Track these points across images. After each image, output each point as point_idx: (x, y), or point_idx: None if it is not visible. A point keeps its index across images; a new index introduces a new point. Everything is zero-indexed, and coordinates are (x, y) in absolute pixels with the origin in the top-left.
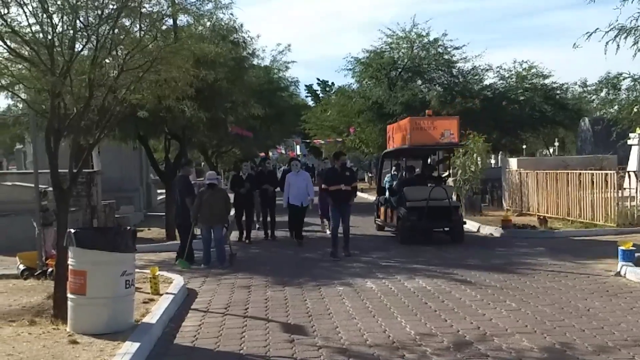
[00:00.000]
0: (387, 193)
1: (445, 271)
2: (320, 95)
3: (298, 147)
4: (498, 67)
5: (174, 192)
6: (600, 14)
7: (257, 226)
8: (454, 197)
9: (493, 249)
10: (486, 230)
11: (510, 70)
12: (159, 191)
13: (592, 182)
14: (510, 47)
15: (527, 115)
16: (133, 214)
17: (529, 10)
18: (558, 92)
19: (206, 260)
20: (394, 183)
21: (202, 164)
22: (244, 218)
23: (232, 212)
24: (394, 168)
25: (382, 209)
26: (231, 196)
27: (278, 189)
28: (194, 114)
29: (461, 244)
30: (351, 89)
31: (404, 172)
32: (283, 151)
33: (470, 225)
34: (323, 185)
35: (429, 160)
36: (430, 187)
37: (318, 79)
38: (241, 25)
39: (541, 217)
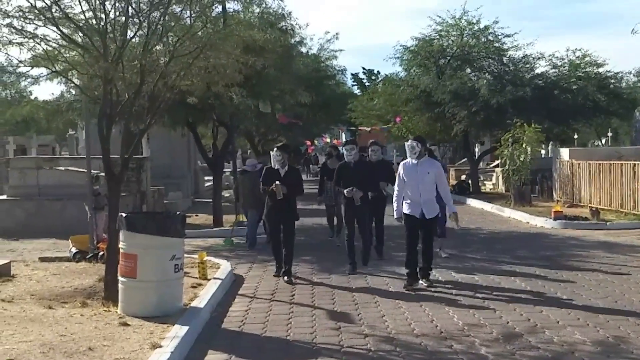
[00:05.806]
0: None
1: (494, 262)
2: (366, 83)
3: (343, 134)
4: (550, 55)
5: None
6: None
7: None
8: None
9: (543, 241)
10: (536, 221)
11: (563, 59)
12: (206, 178)
13: None
14: (564, 34)
15: (580, 104)
16: (181, 200)
17: None
18: (612, 81)
19: (249, 244)
20: None
21: (249, 151)
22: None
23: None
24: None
25: None
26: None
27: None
28: (242, 102)
29: (511, 236)
30: (399, 77)
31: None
32: (328, 140)
33: (520, 216)
34: None
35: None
36: None
37: (363, 68)
38: (289, 12)
39: (593, 209)
